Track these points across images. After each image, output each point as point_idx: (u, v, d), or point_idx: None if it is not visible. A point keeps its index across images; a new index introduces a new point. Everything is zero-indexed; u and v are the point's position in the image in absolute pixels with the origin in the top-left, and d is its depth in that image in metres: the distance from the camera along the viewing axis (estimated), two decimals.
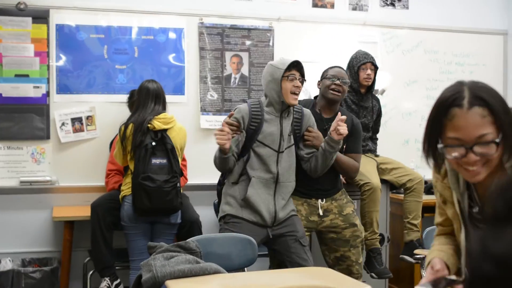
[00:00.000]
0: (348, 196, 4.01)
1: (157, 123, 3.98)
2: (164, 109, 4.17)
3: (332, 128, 3.54)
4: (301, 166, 3.70)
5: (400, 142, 5.70)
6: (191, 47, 5.15)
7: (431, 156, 1.80)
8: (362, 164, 4.49)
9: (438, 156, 1.78)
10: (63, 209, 4.66)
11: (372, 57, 4.55)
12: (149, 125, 3.96)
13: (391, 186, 4.71)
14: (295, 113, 3.64)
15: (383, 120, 5.33)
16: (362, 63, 4.48)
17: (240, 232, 3.35)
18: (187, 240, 2.84)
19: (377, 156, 4.75)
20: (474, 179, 1.73)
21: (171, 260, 2.56)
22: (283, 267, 3.50)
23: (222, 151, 3.38)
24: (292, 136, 3.60)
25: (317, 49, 5.39)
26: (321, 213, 3.81)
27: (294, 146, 3.61)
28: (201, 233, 4.27)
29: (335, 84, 3.82)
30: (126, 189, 4.05)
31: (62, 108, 4.82)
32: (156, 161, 3.95)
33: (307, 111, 3.72)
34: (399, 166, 4.65)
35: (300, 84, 3.50)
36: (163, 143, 3.99)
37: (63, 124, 4.81)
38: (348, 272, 3.75)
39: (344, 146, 3.89)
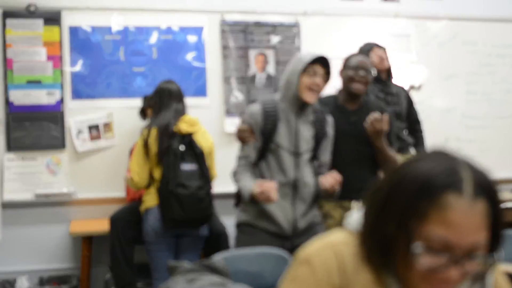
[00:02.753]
0: None
1: (184, 126, 3.67)
2: (184, 108, 3.85)
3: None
4: (332, 163, 3.31)
5: (439, 141, 5.31)
6: (213, 46, 4.85)
7: (378, 256, 1.24)
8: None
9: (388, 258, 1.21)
10: (81, 222, 4.38)
11: (374, 43, 4.35)
12: (174, 127, 3.64)
13: None
14: (316, 114, 3.20)
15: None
16: (367, 49, 4.24)
17: (252, 242, 2.99)
18: (213, 258, 2.51)
19: None
20: None
21: (194, 286, 2.23)
22: None
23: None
24: (314, 140, 3.17)
25: (347, 44, 5.02)
26: None
27: (312, 151, 3.18)
28: (228, 246, 3.95)
29: (359, 75, 3.38)
30: (150, 200, 3.70)
31: (78, 115, 4.56)
32: (185, 167, 3.63)
33: (330, 117, 3.29)
34: None
35: (320, 82, 3.07)
36: (191, 147, 3.68)
37: (79, 132, 4.54)
38: None
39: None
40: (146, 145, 3.64)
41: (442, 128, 5.35)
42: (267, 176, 3.09)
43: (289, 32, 4.98)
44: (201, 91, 4.80)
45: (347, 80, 3.40)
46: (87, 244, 4.16)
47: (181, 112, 3.77)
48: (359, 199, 3.43)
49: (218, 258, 2.54)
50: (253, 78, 4.87)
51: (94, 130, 4.56)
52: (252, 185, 2.99)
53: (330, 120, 3.29)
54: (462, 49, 5.43)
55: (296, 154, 3.11)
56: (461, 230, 1.12)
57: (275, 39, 4.95)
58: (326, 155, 3.28)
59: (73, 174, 4.54)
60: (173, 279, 2.28)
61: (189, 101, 4.61)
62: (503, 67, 5.53)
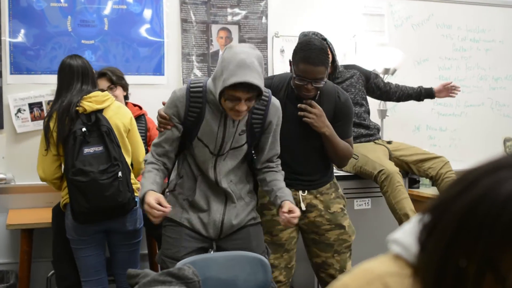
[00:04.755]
0: (340, 190, 3.24)
1: (88, 104, 3.13)
2: (94, 88, 3.31)
3: (283, 215, 2.63)
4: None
5: (410, 129, 5.09)
6: (172, 19, 4.44)
7: None
8: (371, 151, 3.84)
9: None
10: (21, 212, 3.93)
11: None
12: (77, 108, 3.13)
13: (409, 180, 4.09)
14: (257, 104, 2.66)
15: (391, 104, 4.70)
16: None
17: (177, 239, 2.65)
18: (179, 265, 2.11)
19: (389, 143, 4.08)
20: None
21: None
22: None
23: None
24: (245, 135, 2.71)
25: (317, 22, 4.70)
26: (303, 207, 3.06)
27: (245, 145, 2.73)
28: None
29: (305, 87, 2.91)
30: (65, 194, 3.22)
31: (18, 91, 4.12)
32: (89, 150, 3.09)
33: (276, 102, 2.77)
34: (422, 153, 4.01)
35: (244, 108, 2.48)
36: (97, 127, 3.15)
37: (19, 110, 4.12)
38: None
39: None
40: (46, 134, 3.17)
41: (413, 116, 5.09)
42: (193, 168, 2.72)
43: (256, 6, 4.59)
44: (157, 69, 4.39)
45: (294, 85, 2.97)
46: (26, 237, 3.70)
47: (87, 90, 3.24)
48: (304, 189, 3.10)
49: (187, 264, 2.14)
50: (215, 55, 4.46)
51: (37, 109, 4.14)
52: (148, 192, 2.52)
53: (274, 108, 2.77)
54: (436, 32, 5.16)
55: (217, 155, 2.70)
56: None
57: (240, 13, 4.55)
58: (267, 149, 2.82)
59: (11, 158, 4.13)
60: None
61: (144, 79, 4.33)
62: (477, 52, 5.30)
